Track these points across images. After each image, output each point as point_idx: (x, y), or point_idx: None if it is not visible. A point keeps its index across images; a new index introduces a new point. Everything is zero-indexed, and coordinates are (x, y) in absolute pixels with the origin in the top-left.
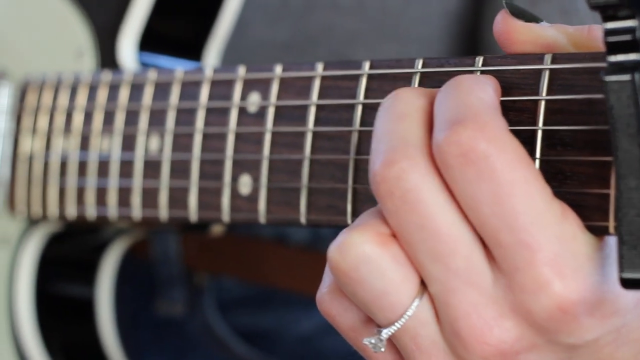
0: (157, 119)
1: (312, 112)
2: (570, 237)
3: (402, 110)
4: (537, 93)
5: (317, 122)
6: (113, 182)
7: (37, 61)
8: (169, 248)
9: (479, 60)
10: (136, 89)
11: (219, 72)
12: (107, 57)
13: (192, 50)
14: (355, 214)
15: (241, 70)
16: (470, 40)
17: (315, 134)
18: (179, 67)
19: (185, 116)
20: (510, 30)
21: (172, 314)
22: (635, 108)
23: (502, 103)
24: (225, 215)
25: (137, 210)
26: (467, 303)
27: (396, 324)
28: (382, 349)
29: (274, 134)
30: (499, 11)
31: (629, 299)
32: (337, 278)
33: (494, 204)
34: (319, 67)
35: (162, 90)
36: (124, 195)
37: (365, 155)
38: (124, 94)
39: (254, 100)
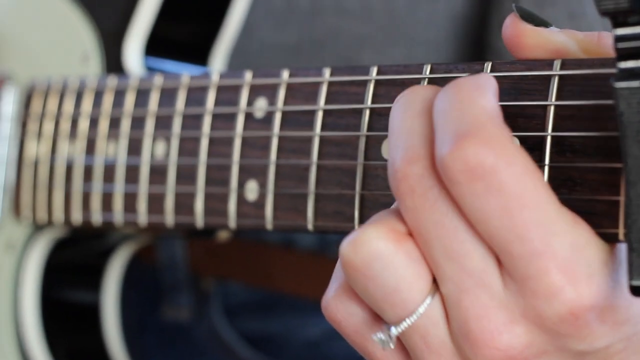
0: (163, 124)
1: (319, 117)
2: (583, 244)
3: (421, 107)
4: (546, 99)
5: (325, 127)
6: (119, 187)
7: (42, 65)
8: (175, 253)
9: (488, 66)
10: (142, 94)
11: (225, 77)
12: (113, 62)
13: (199, 54)
14: (363, 221)
15: (248, 76)
16: (478, 44)
17: (323, 140)
18: (185, 72)
19: (192, 121)
20: (520, 34)
21: (178, 319)
22: None
23: (511, 109)
24: (232, 221)
25: (143, 216)
26: (479, 305)
27: (407, 320)
28: (392, 346)
29: (280, 139)
30: (508, 14)
31: None
32: (348, 274)
33: (503, 218)
34: (327, 72)
35: (168, 95)
36: (130, 200)
37: (373, 161)
38: (129, 100)
39: (261, 105)
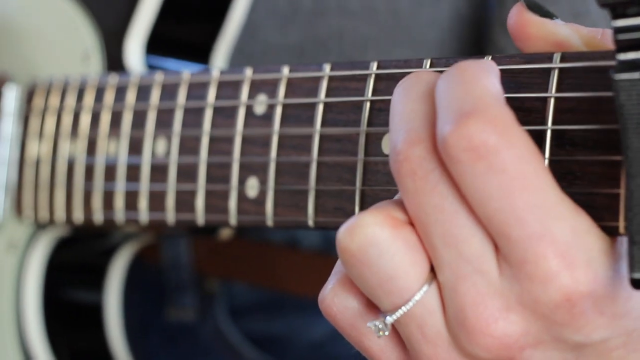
0: (164, 121)
1: (319, 113)
2: (583, 231)
3: (423, 91)
4: (546, 92)
5: (325, 123)
6: (120, 185)
7: (43, 64)
8: (179, 253)
9: (487, 59)
10: (143, 91)
11: (225, 73)
12: (114, 60)
13: (200, 53)
14: None
15: (248, 72)
16: (481, 45)
17: (323, 136)
18: (186, 70)
19: (193, 119)
20: (524, 24)
21: (183, 319)
22: None
23: (511, 102)
24: (233, 218)
25: (144, 214)
26: (475, 292)
27: (403, 308)
28: (387, 333)
29: (281, 136)
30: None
31: None
32: (344, 260)
33: (503, 199)
34: (327, 67)
35: (169, 92)
36: (131, 198)
37: (373, 157)
38: (130, 97)
39: (261, 101)
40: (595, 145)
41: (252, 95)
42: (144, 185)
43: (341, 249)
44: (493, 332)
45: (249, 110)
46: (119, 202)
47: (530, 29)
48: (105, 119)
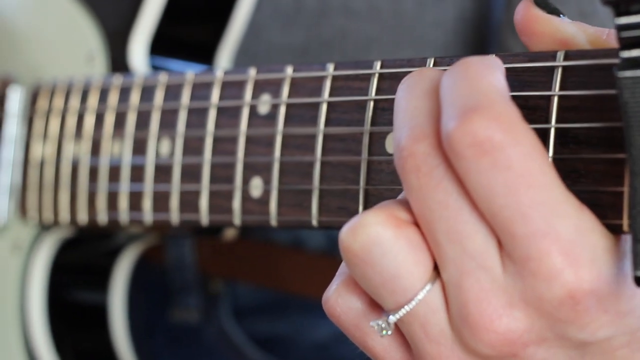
0: (168, 122)
1: (323, 113)
2: (587, 229)
3: (427, 88)
4: (549, 90)
5: (329, 123)
6: (124, 186)
7: (48, 65)
8: (184, 254)
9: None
10: (147, 92)
11: (229, 73)
12: (118, 61)
13: (204, 53)
14: None
15: (252, 72)
16: (485, 46)
17: (327, 136)
18: (190, 70)
19: (196, 119)
20: (531, 20)
21: (187, 320)
22: None
23: (515, 101)
24: (237, 218)
25: (148, 215)
26: (478, 288)
27: (406, 307)
28: (390, 332)
29: (285, 136)
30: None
31: None
32: (347, 260)
33: (508, 196)
34: (330, 67)
35: (172, 92)
36: (135, 199)
37: (377, 156)
38: (134, 97)
39: (265, 101)
40: (599, 143)
41: (255, 95)
42: (148, 185)
43: (344, 249)
44: (497, 329)
45: (253, 110)
46: (123, 202)
47: (536, 25)
48: (110, 120)
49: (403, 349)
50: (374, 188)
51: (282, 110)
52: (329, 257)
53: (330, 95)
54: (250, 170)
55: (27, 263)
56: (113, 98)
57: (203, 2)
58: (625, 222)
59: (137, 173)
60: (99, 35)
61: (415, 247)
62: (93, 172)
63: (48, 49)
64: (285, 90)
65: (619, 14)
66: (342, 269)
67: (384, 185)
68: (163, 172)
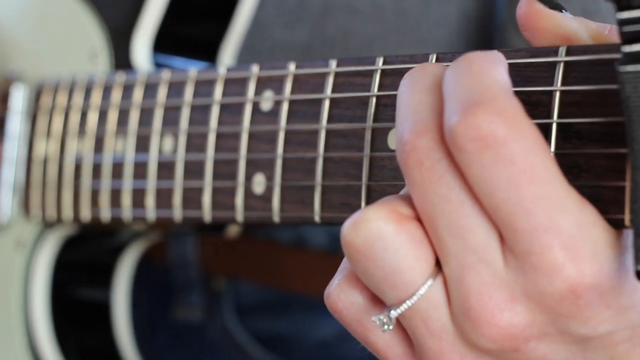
0: (170, 119)
1: (325, 109)
2: (589, 223)
3: (430, 82)
4: (551, 86)
5: (331, 119)
6: (127, 183)
7: (51, 63)
8: (186, 252)
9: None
10: (150, 89)
11: (232, 70)
12: (121, 58)
13: (208, 51)
14: None
15: (254, 68)
16: (489, 45)
17: (329, 132)
18: (193, 67)
19: (199, 116)
20: (534, 14)
21: (189, 318)
22: None
23: (517, 96)
24: (239, 214)
25: (151, 211)
26: (480, 282)
27: (407, 302)
28: (391, 327)
29: (287, 132)
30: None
31: None
32: (349, 255)
33: (510, 190)
34: (333, 63)
35: (175, 89)
36: (138, 196)
37: (379, 152)
38: (137, 95)
39: (268, 98)
40: (601, 138)
41: (258, 91)
42: (151, 182)
43: (346, 244)
44: (498, 323)
45: (256, 106)
46: (126, 200)
47: (538, 20)
48: (113, 117)
49: (405, 344)
50: (376, 184)
51: (285, 107)
52: (332, 256)
53: (333, 91)
54: (252, 166)
55: (31, 260)
56: (116, 95)
57: None
58: (627, 217)
59: (140, 170)
60: (102, 32)
61: (416, 242)
62: (96, 170)
63: (51, 46)
64: (288, 86)
65: (621, 8)
66: (344, 264)
67: (386, 181)
68: (166, 168)
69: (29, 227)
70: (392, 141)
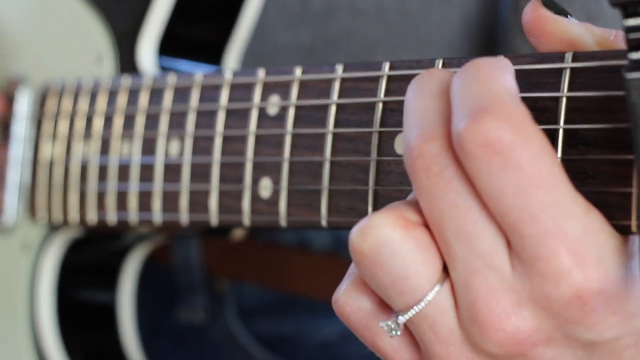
0: (177, 122)
1: (332, 114)
2: (596, 229)
3: (437, 88)
4: (558, 92)
5: (337, 124)
6: (133, 186)
7: (56, 66)
8: (190, 254)
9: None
10: (156, 93)
11: (238, 75)
12: (127, 62)
13: (212, 54)
14: None
15: (261, 73)
16: (491, 46)
17: (336, 136)
18: (199, 71)
19: (206, 119)
20: (539, 20)
21: (193, 320)
22: None
23: (523, 102)
24: (246, 218)
25: (157, 215)
26: (487, 287)
27: (415, 307)
28: (399, 332)
29: (294, 136)
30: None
31: None
32: (356, 261)
33: (517, 196)
34: (339, 68)
35: (182, 93)
36: (145, 199)
37: (386, 157)
38: (143, 98)
39: (274, 102)
40: (607, 144)
41: (264, 96)
42: (158, 185)
43: (353, 250)
44: (505, 327)
45: (262, 111)
46: (133, 202)
47: (544, 25)
48: (119, 122)
49: (412, 349)
50: (383, 189)
51: (291, 112)
52: (335, 258)
53: (339, 96)
54: (259, 170)
55: (37, 263)
56: (122, 100)
57: (211, 2)
58: (633, 223)
59: (147, 172)
60: (108, 35)
61: (424, 248)
62: (102, 172)
63: (56, 49)
64: (294, 91)
65: (628, 15)
66: (352, 269)
67: (393, 185)
68: (172, 171)
69: (35, 229)
70: (398, 146)
